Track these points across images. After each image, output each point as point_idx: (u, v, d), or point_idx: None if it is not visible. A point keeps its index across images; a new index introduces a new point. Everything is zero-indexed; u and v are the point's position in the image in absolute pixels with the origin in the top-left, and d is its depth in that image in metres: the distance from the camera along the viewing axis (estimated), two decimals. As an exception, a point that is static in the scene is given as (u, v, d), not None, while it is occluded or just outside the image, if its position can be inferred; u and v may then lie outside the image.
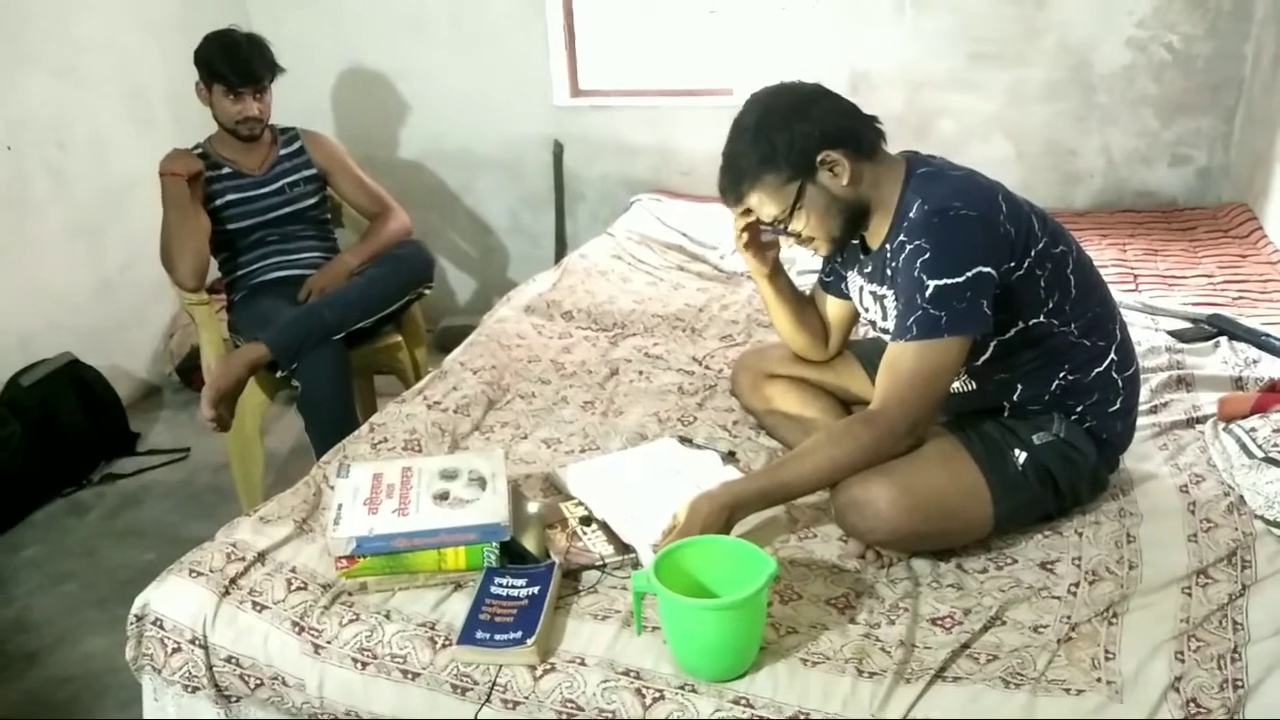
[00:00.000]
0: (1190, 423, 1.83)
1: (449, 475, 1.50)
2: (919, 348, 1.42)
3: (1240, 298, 2.39)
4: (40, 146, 3.00)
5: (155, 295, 3.32)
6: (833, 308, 1.83)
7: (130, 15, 3.27)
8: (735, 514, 1.44)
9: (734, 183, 1.55)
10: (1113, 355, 1.58)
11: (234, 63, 2.47)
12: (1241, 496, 1.55)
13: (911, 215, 1.47)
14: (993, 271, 1.42)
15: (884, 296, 1.59)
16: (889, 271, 1.54)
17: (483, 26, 3.56)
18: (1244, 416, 1.74)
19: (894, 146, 1.59)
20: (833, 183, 1.50)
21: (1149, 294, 2.44)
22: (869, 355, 1.80)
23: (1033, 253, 1.48)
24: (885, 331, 1.60)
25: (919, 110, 3.33)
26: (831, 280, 1.80)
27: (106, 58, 3.19)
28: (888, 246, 1.54)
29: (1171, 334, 2.19)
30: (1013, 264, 1.46)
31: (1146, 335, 2.16)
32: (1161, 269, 2.64)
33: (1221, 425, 1.77)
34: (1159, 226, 3.01)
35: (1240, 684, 1.19)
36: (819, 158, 1.48)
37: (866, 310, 1.69)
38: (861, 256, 1.64)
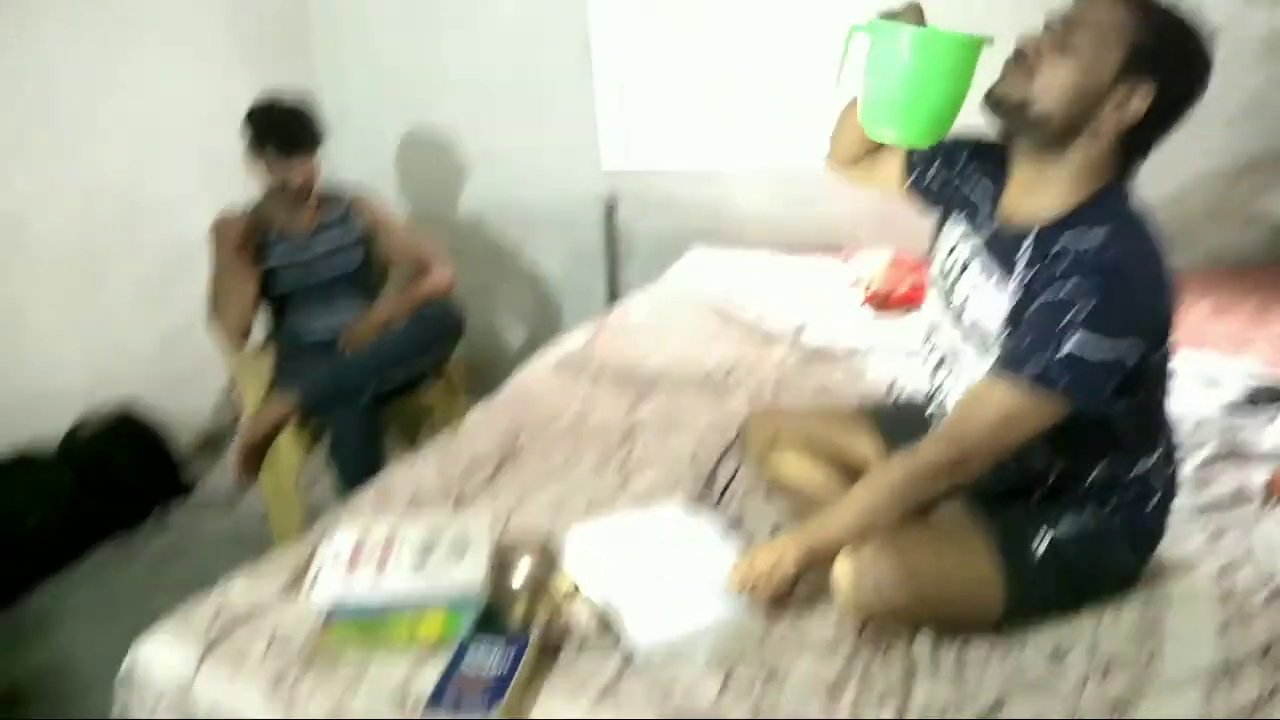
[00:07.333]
0: (1236, 500, 1.69)
1: (431, 541, 1.48)
2: (1020, 391, 1.24)
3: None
4: (116, 208, 3.13)
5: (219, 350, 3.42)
6: (885, 169, 1.60)
7: (204, 81, 3.41)
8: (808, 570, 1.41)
9: None
10: (1160, 449, 1.43)
11: (279, 132, 2.55)
12: (1284, 584, 1.43)
13: (1100, 244, 1.23)
14: (1142, 347, 1.24)
15: (991, 277, 1.37)
16: (1021, 266, 1.31)
17: (540, 90, 3.62)
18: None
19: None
20: (1117, 101, 1.23)
21: (1210, 357, 2.29)
22: (888, 424, 1.72)
23: (1167, 341, 1.33)
24: (956, 309, 1.44)
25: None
26: (920, 178, 1.55)
27: (181, 122, 3.33)
28: (1038, 236, 1.30)
29: (1246, 397, 2.05)
30: (1154, 349, 1.30)
31: (1197, 405, 2.02)
32: (1228, 331, 2.48)
33: (1274, 500, 1.64)
34: (1227, 286, 2.83)
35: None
36: (1146, 76, 1.22)
37: (948, 271, 1.47)
38: (989, 211, 1.41)
